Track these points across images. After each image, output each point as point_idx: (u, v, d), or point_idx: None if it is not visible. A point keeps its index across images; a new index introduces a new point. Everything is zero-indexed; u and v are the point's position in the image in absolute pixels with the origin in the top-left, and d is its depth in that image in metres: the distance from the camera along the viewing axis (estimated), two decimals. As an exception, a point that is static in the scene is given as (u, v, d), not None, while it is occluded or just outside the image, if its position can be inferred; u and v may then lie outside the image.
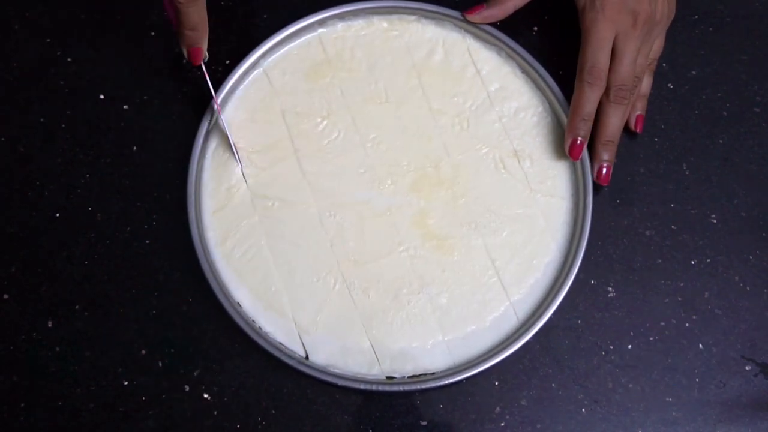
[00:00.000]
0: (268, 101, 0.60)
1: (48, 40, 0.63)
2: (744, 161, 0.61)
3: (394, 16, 0.61)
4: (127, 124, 0.61)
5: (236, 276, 0.57)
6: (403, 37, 0.61)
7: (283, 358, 0.54)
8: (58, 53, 0.63)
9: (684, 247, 0.59)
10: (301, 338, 0.56)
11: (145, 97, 0.62)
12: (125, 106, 0.61)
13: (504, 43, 0.60)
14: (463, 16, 0.60)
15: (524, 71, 0.61)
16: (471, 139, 0.59)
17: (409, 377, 0.55)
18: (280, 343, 0.55)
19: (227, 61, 0.62)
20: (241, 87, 0.60)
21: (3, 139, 0.61)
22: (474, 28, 0.61)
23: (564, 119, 0.59)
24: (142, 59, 0.63)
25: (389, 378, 0.55)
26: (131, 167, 0.60)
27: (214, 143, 0.59)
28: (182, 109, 0.61)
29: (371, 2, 0.61)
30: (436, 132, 0.60)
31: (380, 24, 0.61)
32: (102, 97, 0.62)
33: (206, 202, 0.58)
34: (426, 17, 0.61)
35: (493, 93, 0.60)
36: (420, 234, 0.57)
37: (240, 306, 0.56)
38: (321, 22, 0.61)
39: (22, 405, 0.55)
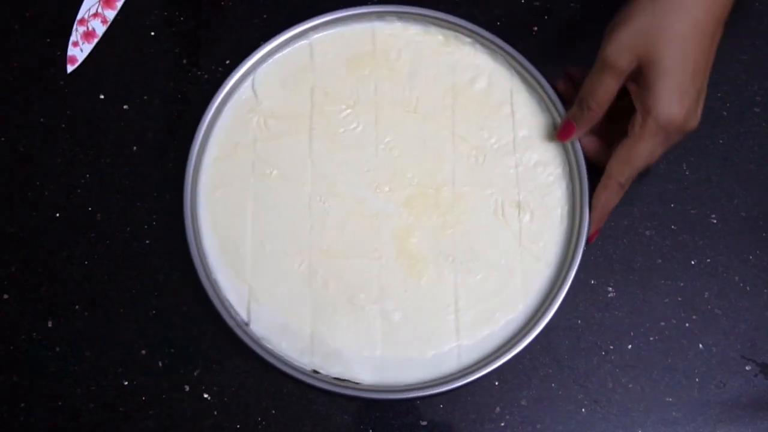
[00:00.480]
0: (302, 74, 0.60)
1: (48, 40, 0.63)
2: (744, 161, 0.61)
3: (452, 33, 0.61)
4: (127, 124, 0.61)
5: (212, 225, 0.57)
6: (453, 56, 0.61)
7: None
8: (58, 53, 0.63)
9: (684, 247, 0.59)
10: (249, 304, 0.56)
11: (145, 97, 0.62)
12: (125, 106, 0.61)
13: (548, 96, 0.59)
14: (512, 50, 0.59)
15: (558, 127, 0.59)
16: (481, 176, 0.58)
17: (335, 378, 0.54)
18: (231, 305, 0.55)
19: (227, 61, 0.62)
20: (283, 52, 0.60)
21: (3, 139, 0.61)
22: (524, 71, 0.59)
23: (578, 190, 0.57)
24: (142, 59, 0.63)
25: (315, 372, 0.54)
26: (131, 167, 0.60)
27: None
28: (182, 109, 0.61)
29: (433, 12, 0.60)
30: (451, 157, 0.59)
31: (436, 36, 0.61)
32: (102, 97, 0.62)
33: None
34: (482, 44, 0.60)
35: (519, 138, 0.59)
36: (397, 248, 0.57)
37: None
38: (380, 15, 0.60)
39: (22, 405, 0.55)
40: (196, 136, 0.58)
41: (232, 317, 0.54)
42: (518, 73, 0.60)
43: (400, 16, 0.61)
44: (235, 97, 0.60)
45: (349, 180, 0.58)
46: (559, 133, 0.58)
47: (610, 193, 0.55)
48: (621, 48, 0.51)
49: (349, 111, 0.60)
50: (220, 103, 0.59)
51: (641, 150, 0.52)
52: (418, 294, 0.56)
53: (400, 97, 0.60)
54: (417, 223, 0.57)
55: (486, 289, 0.56)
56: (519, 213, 0.58)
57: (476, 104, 0.60)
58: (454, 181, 0.58)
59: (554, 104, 0.59)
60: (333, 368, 0.55)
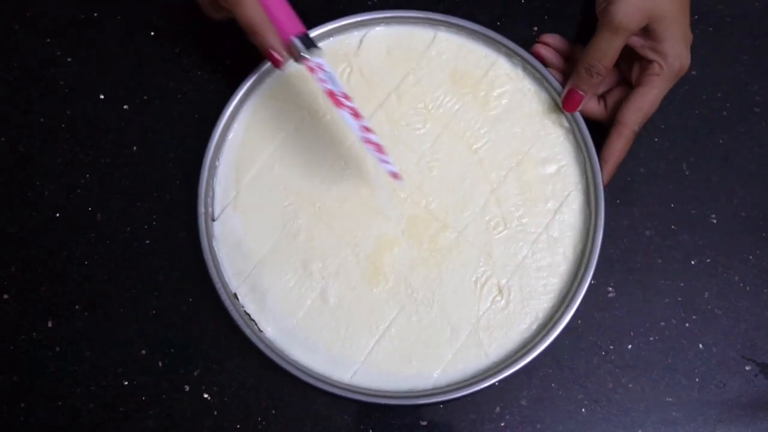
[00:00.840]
0: (410, 55, 0.60)
1: (48, 40, 0.63)
2: (744, 161, 0.61)
3: (556, 108, 0.59)
4: (127, 124, 0.61)
5: (244, 128, 0.59)
6: (544, 129, 0.59)
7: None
8: (58, 53, 0.63)
9: (684, 247, 0.59)
10: (227, 211, 0.57)
11: (145, 97, 0.62)
12: (125, 106, 0.61)
13: (595, 221, 0.56)
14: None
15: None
16: (488, 243, 0.57)
17: (244, 312, 0.55)
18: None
19: (227, 62, 0.62)
20: (408, 27, 0.61)
21: (3, 139, 0.61)
22: (592, 184, 0.57)
23: (560, 311, 0.55)
24: (142, 59, 0.63)
25: (234, 296, 0.55)
26: (131, 167, 0.60)
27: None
28: (182, 109, 0.61)
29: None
30: (476, 210, 0.58)
31: (545, 102, 0.59)
32: (102, 97, 0.62)
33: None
34: (574, 136, 0.59)
35: (546, 236, 0.57)
36: (374, 249, 0.57)
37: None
38: (508, 54, 0.60)
39: (22, 405, 0.55)
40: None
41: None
42: (586, 179, 0.58)
43: (522, 60, 0.59)
44: (340, 38, 0.61)
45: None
46: (565, 103, 0.58)
47: (625, 142, 0.56)
48: (631, 10, 0.53)
49: (424, 112, 0.59)
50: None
51: (656, 96, 0.56)
52: (362, 298, 0.56)
53: (473, 131, 0.59)
54: (405, 242, 0.57)
55: (419, 336, 0.56)
56: (497, 293, 0.56)
57: (531, 182, 0.58)
58: (462, 231, 0.57)
59: (595, 230, 0.56)
60: (249, 305, 0.56)
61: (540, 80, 0.59)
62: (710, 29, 0.64)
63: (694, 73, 0.63)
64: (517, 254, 0.57)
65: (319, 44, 0.59)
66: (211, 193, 0.57)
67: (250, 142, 0.59)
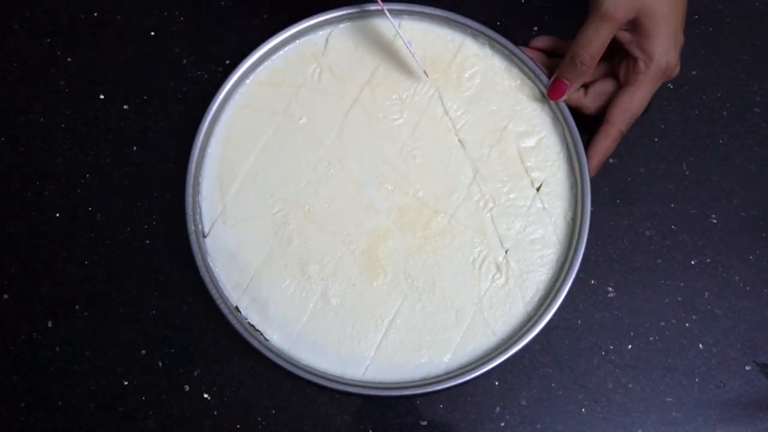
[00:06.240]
0: (377, 48, 0.60)
1: (48, 40, 0.63)
2: (744, 161, 0.61)
3: (529, 82, 0.60)
4: (127, 124, 0.61)
5: (223, 139, 0.58)
6: (520, 103, 0.59)
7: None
8: (58, 53, 0.63)
9: (684, 247, 0.59)
10: (215, 222, 0.57)
11: (145, 97, 0.62)
12: (125, 106, 0.61)
13: (582, 187, 0.57)
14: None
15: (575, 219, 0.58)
16: (480, 222, 0.57)
17: (249, 324, 0.55)
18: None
19: (227, 61, 0.62)
20: (371, 21, 0.61)
21: (3, 139, 0.61)
22: (573, 147, 0.58)
23: (559, 282, 0.55)
24: (142, 59, 0.63)
25: (236, 309, 0.55)
26: (131, 167, 0.60)
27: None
28: (182, 109, 0.61)
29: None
30: (464, 191, 0.58)
31: (515, 78, 0.60)
32: (102, 97, 0.62)
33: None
34: (550, 108, 0.59)
35: (535, 208, 0.58)
36: (368, 244, 0.57)
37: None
38: (474, 33, 0.60)
39: (22, 405, 0.55)
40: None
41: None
42: (567, 148, 0.58)
43: (490, 40, 0.60)
44: (306, 39, 0.60)
45: (362, 162, 0.58)
46: (550, 92, 0.58)
47: (611, 141, 0.57)
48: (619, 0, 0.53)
49: (399, 102, 0.60)
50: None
51: (643, 96, 0.55)
52: (364, 294, 0.56)
53: (451, 114, 0.59)
54: (399, 232, 0.57)
55: (425, 324, 0.56)
56: (495, 274, 0.56)
57: (514, 157, 0.59)
58: (453, 214, 0.58)
59: (583, 197, 0.56)
60: (253, 316, 0.56)
61: (509, 56, 0.60)
62: (710, 29, 0.64)
63: (694, 73, 0.63)
64: (510, 230, 0.57)
65: (285, 48, 0.60)
66: (198, 210, 0.57)
67: (229, 154, 0.59)
